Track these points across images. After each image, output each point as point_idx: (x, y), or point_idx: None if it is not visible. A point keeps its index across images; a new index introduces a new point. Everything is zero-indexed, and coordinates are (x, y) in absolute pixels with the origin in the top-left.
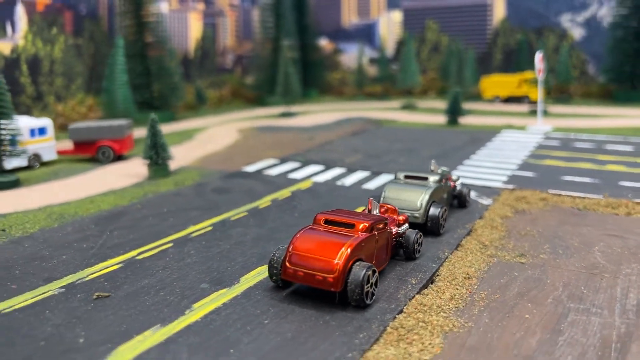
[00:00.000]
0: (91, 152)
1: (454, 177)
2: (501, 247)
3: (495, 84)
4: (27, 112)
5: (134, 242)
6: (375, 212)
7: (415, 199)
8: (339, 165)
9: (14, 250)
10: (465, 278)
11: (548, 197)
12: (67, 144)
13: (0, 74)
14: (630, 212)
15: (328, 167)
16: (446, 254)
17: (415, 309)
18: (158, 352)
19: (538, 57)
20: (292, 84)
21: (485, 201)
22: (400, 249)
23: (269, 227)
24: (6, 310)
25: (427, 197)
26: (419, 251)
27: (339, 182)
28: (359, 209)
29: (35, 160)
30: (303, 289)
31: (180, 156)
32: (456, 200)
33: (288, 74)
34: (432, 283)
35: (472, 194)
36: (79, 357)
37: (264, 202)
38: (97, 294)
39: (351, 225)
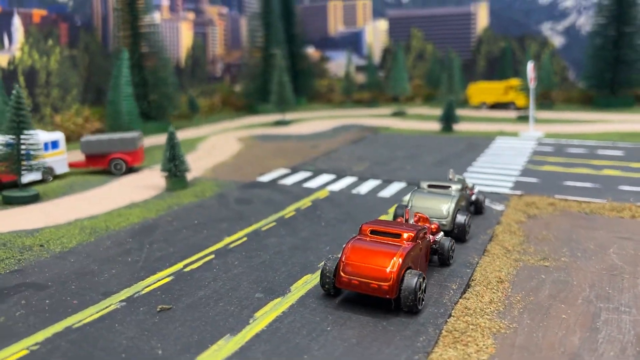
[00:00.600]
0: (103, 164)
1: (470, 185)
2: (523, 251)
3: (482, 90)
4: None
5: (176, 254)
6: (412, 221)
7: (443, 207)
8: (349, 174)
9: (62, 266)
10: (498, 282)
11: (556, 202)
12: (78, 157)
13: (18, 86)
14: (634, 215)
15: (339, 176)
16: (476, 259)
17: (462, 312)
18: None
19: (530, 66)
20: (287, 92)
21: (498, 207)
22: (435, 255)
23: (300, 236)
24: (77, 325)
25: (453, 205)
26: (452, 257)
27: (354, 191)
28: (382, 217)
29: (48, 174)
30: (352, 296)
31: (191, 166)
32: (473, 206)
33: (282, 82)
34: (469, 287)
35: (486, 200)
36: None
37: (288, 212)
38: (160, 306)
39: (397, 235)
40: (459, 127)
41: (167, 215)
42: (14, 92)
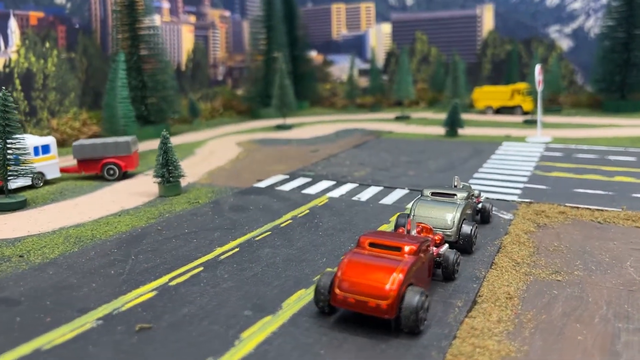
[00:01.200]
0: (96, 169)
1: (475, 192)
2: (533, 264)
3: (488, 94)
4: (21, 127)
5: (162, 266)
6: (414, 232)
7: (447, 216)
8: (350, 181)
9: (39, 279)
10: (507, 298)
11: (566, 211)
12: (69, 162)
13: (4, 88)
14: None
15: (339, 182)
16: (483, 273)
17: (468, 333)
18: None
19: (537, 68)
20: (288, 96)
21: (506, 216)
22: (438, 269)
23: (296, 247)
24: (46, 347)
25: (458, 215)
26: (458, 271)
27: (354, 198)
28: (383, 227)
29: (39, 179)
30: (349, 315)
31: (187, 172)
32: (479, 215)
33: (284, 85)
34: (475, 304)
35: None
36: None
37: (285, 220)
38: (139, 325)
39: (398, 249)
40: (464, 131)
41: (157, 224)
42: (0, 94)
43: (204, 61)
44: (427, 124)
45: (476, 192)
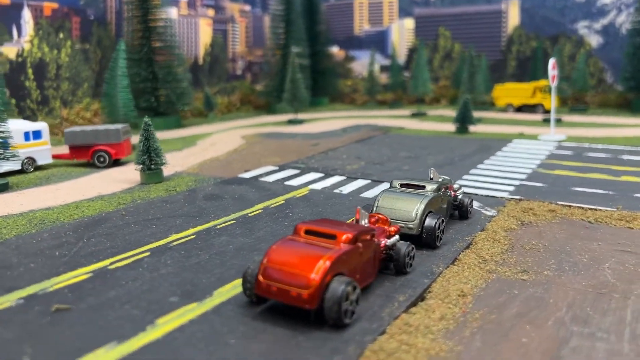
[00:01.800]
0: (87, 156)
1: (455, 186)
2: (502, 262)
3: (509, 92)
4: (32, 116)
5: (110, 250)
6: (364, 222)
7: (410, 208)
8: (339, 173)
9: None
10: (459, 295)
11: (557, 209)
12: (66, 149)
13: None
14: None
15: (327, 174)
16: (441, 268)
17: (400, 329)
18: None
19: (551, 63)
20: (300, 90)
21: (489, 212)
22: (390, 262)
23: (255, 236)
24: None
25: (422, 207)
26: (411, 265)
27: (336, 190)
28: (351, 220)
29: (29, 164)
30: (280, 306)
31: (179, 162)
32: (457, 210)
33: (295, 79)
34: (422, 300)
35: (475, 204)
36: None
37: (255, 210)
38: (56, 306)
39: (333, 236)
40: (476, 128)
41: (123, 209)
42: None
43: (223, 55)
44: (442, 121)
45: (456, 186)
